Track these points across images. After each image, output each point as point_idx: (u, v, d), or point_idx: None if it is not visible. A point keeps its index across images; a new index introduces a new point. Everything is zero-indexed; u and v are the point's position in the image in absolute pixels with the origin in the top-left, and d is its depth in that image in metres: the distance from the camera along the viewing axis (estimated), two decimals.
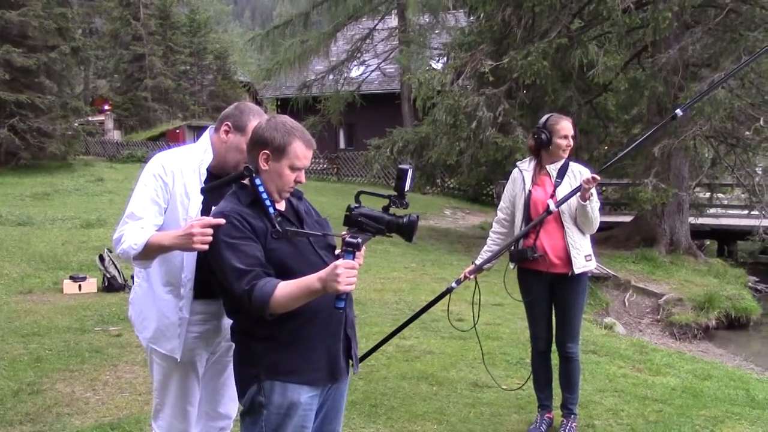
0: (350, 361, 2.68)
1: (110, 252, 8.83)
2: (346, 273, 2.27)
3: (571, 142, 4.32)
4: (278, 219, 2.50)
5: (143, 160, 26.25)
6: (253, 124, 2.89)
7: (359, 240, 2.37)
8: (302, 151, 2.53)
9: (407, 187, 2.57)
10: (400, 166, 2.58)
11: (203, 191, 2.83)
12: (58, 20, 21.93)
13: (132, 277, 3.26)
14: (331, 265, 2.30)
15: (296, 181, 2.56)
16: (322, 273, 2.32)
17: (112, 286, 8.48)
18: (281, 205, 2.62)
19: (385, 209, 2.58)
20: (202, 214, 2.84)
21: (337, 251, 2.68)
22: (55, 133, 21.71)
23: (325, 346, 2.56)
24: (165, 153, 3.02)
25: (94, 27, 40.02)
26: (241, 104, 3.04)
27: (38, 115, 21.21)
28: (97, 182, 19.47)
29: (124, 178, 19.71)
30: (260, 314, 2.37)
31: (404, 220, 2.55)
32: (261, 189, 2.51)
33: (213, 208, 2.59)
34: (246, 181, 2.57)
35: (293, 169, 2.53)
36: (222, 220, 2.45)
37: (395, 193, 2.57)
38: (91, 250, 10.27)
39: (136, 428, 4.40)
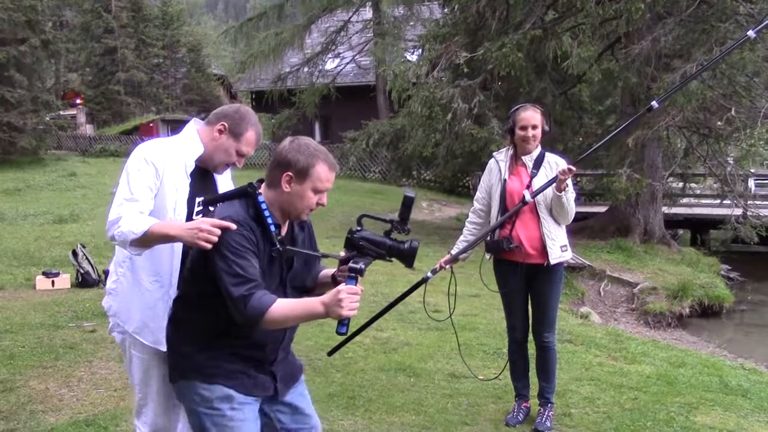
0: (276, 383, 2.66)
1: (84, 247, 8.73)
2: (348, 298, 2.29)
3: (533, 133, 4.29)
4: (278, 237, 2.50)
5: (116, 154, 26.02)
6: (249, 133, 2.93)
7: (362, 266, 2.40)
8: (325, 174, 2.51)
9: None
10: (408, 194, 2.56)
11: (204, 202, 2.84)
12: (27, 13, 21.60)
13: (105, 272, 3.22)
14: (334, 290, 2.31)
15: (318, 204, 2.54)
16: (324, 297, 2.34)
17: (85, 281, 8.38)
18: (283, 229, 2.61)
19: (387, 234, 2.58)
20: (188, 203, 2.90)
21: (333, 270, 2.71)
22: (25, 128, 21.43)
23: (251, 367, 2.57)
24: (153, 142, 3.00)
25: (65, 19, 39.45)
26: (241, 108, 3.03)
27: (8, 110, 20.93)
28: (70, 177, 19.25)
29: (97, 173, 19.49)
30: (251, 323, 2.36)
31: (405, 246, 2.56)
32: (264, 206, 2.50)
33: (219, 208, 2.56)
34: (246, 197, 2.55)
35: (316, 191, 2.51)
36: (233, 225, 2.42)
37: (398, 219, 2.57)
38: (64, 246, 10.16)
39: (112, 424, 4.36)
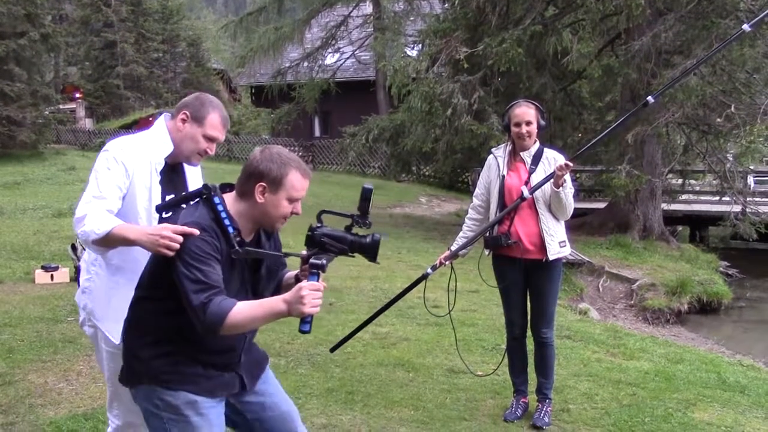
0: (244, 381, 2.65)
1: None
2: (311, 295, 2.26)
3: (527, 129, 4.28)
4: (237, 239, 2.45)
5: None
6: (212, 116, 2.92)
7: (324, 261, 2.37)
8: (299, 182, 2.48)
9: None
10: (366, 186, 2.56)
11: (158, 208, 2.77)
12: (26, 6, 21.54)
13: (76, 268, 3.23)
14: (296, 287, 2.28)
15: (293, 213, 2.51)
16: (287, 295, 2.31)
17: None
18: (249, 237, 2.55)
19: (348, 229, 2.56)
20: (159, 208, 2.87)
21: (296, 272, 2.67)
22: (25, 122, 21.39)
23: (215, 373, 2.55)
24: (123, 139, 2.99)
25: (64, 13, 39.39)
26: (201, 95, 3.04)
27: (8, 104, 20.87)
28: (69, 171, 19.21)
29: None
30: (212, 330, 2.31)
31: (367, 240, 2.54)
32: (220, 208, 2.46)
33: (183, 212, 2.51)
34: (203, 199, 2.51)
35: (291, 200, 2.48)
36: (196, 231, 2.38)
37: (358, 213, 2.55)
38: (63, 240, 10.15)
39: None
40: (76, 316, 6.73)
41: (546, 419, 4.44)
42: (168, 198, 2.95)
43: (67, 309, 7.04)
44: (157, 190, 2.93)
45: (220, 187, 2.55)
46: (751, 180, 15.59)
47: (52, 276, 8.31)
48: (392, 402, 4.76)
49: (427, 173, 22.79)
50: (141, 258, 2.83)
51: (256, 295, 2.55)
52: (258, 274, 2.59)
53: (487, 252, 4.48)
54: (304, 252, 2.54)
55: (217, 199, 2.47)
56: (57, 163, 20.79)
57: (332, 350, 3.66)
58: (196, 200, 2.52)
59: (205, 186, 2.51)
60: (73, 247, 8.64)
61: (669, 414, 4.68)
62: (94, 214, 2.70)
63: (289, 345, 5.90)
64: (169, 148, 2.95)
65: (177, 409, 2.46)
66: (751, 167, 14.78)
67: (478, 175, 4.70)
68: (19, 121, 21.15)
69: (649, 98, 4.13)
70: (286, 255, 2.67)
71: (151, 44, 39.14)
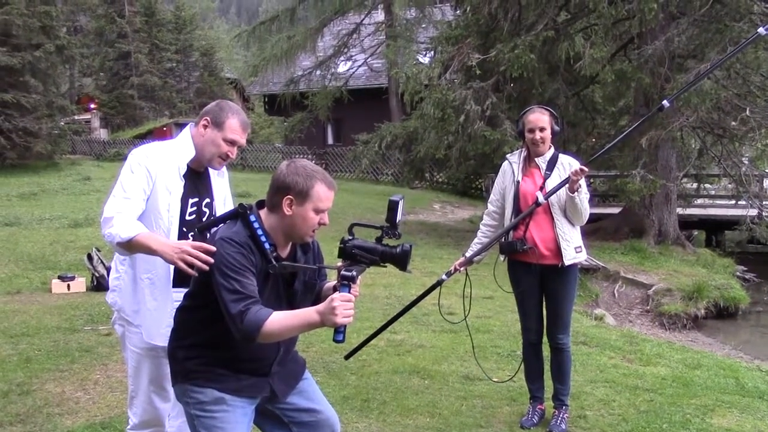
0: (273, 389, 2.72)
1: (99, 251, 8.78)
2: (342, 306, 2.33)
3: (541, 135, 4.30)
4: (273, 254, 2.55)
5: None
6: (231, 120, 3.04)
7: (354, 273, 2.45)
8: (325, 193, 2.56)
9: (399, 217, 2.62)
10: (392, 198, 2.62)
11: (198, 228, 2.94)
12: (42, 18, 21.81)
13: (107, 269, 3.36)
14: (328, 299, 2.36)
15: (320, 223, 2.59)
16: (320, 306, 2.38)
17: (100, 285, 8.41)
18: (285, 252, 2.65)
19: (378, 240, 2.62)
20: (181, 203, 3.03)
21: (333, 282, 2.73)
22: (41, 133, 21.61)
23: (244, 377, 2.63)
24: (148, 146, 3.13)
25: (79, 25, 39.82)
26: (222, 102, 3.18)
27: (24, 115, 21.08)
28: (84, 181, 19.36)
29: (112, 177, 19.50)
30: (249, 338, 2.41)
31: (398, 250, 2.60)
32: (256, 225, 2.55)
33: (221, 229, 2.62)
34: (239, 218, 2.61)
35: (317, 211, 2.56)
36: (213, 248, 2.50)
37: (387, 224, 2.62)
38: (80, 250, 10.21)
39: None
40: (93, 326, 6.79)
41: (563, 426, 4.42)
42: (192, 201, 3.10)
43: (84, 318, 7.09)
44: (179, 193, 3.04)
45: (257, 204, 2.64)
46: (767, 183, 15.47)
47: (68, 286, 8.36)
48: (408, 409, 4.75)
49: (440, 180, 22.77)
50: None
51: (292, 307, 2.61)
52: (292, 288, 2.67)
53: (502, 258, 4.47)
54: (340, 263, 2.61)
55: (252, 217, 2.57)
56: (72, 174, 20.95)
57: (347, 357, 3.66)
58: (233, 219, 2.62)
59: (240, 205, 2.61)
60: (89, 257, 8.70)
61: (687, 420, 4.65)
62: (122, 218, 2.83)
63: (303, 353, 5.89)
64: (191, 154, 3.08)
65: (204, 405, 2.58)
66: (767, 171, 14.64)
67: (492, 182, 4.70)
68: (35, 132, 21.36)
69: (665, 102, 4.12)
70: (321, 268, 2.75)
71: (164, 54, 39.49)
